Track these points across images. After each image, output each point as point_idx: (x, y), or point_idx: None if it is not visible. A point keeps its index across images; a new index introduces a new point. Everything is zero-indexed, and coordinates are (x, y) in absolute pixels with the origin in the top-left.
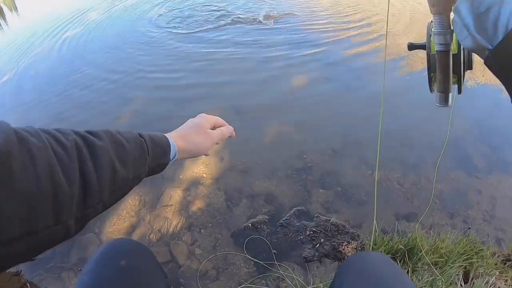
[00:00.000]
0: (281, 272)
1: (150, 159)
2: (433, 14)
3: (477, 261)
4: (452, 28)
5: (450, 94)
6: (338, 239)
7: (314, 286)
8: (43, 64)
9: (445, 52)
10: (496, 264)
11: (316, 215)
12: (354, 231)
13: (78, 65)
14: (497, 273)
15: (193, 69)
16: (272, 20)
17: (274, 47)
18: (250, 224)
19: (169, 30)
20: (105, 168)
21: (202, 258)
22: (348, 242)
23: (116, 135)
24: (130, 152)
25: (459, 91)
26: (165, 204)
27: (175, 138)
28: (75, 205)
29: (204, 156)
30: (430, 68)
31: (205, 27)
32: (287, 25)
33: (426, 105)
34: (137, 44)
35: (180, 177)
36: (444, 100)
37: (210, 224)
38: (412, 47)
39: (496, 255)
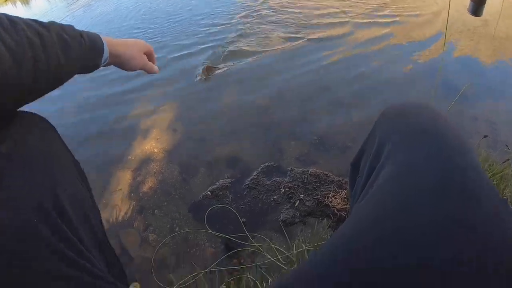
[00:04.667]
0: (256, 245)
1: (83, 56)
2: None
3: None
4: None
5: (483, 7)
6: (321, 191)
7: (298, 250)
8: None
9: None
10: None
11: (290, 168)
12: (341, 179)
13: None
14: None
15: None
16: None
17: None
18: (209, 193)
19: None
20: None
21: (158, 244)
22: (335, 192)
23: (61, 33)
24: (73, 47)
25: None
26: (112, 190)
27: (108, 40)
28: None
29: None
30: None
31: None
32: None
33: None
34: None
35: (129, 157)
36: (478, 11)
37: (165, 203)
38: None
39: None
